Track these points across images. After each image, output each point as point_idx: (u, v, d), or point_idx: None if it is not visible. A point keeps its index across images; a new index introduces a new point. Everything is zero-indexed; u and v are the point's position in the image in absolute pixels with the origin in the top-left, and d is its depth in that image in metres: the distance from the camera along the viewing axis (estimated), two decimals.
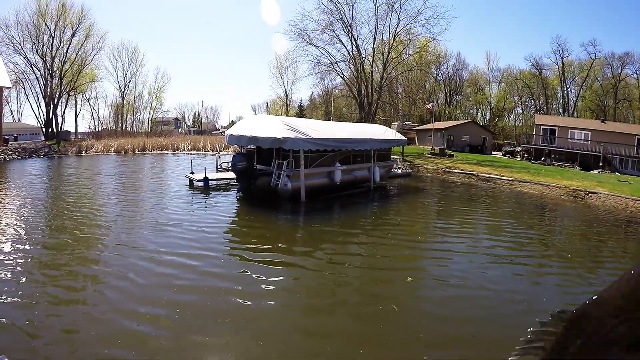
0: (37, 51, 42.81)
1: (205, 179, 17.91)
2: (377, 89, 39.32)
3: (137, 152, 38.50)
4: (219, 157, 21.59)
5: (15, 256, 8.68)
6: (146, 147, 40.07)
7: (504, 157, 42.13)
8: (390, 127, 29.31)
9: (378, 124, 30.63)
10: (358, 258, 9.80)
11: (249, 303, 6.95)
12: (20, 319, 5.93)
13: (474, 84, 69.19)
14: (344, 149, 17.36)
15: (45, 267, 8.23)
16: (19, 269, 7.93)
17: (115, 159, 33.00)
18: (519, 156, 41.99)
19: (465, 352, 5.57)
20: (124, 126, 56.90)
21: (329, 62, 39.44)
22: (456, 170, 28.00)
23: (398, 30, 38.63)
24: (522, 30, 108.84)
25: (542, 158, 37.48)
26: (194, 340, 5.69)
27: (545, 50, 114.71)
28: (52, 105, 44.69)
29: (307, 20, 48.02)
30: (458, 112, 68.19)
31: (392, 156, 23.16)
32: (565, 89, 62.36)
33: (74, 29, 44.52)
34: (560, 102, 63.83)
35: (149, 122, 61.88)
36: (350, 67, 39.86)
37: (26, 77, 44.52)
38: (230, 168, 17.16)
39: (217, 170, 20.37)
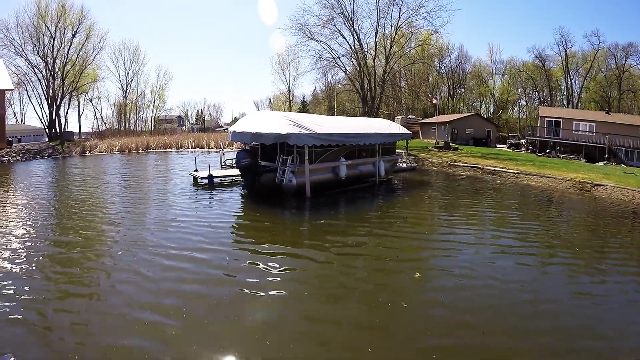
0: (38, 53, 42.85)
1: (210, 177, 17.89)
2: (380, 82, 39.09)
3: (141, 151, 38.59)
4: (223, 154, 21.55)
5: (26, 255, 8.73)
6: (150, 146, 40.12)
7: (509, 150, 41.84)
8: (393, 121, 29.12)
9: (382, 118, 30.47)
10: (365, 252, 9.75)
11: (257, 296, 6.97)
12: (32, 315, 5.99)
13: (477, 77, 68.70)
14: (348, 144, 17.27)
15: (56, 264, 8.28)
16: (30, 267, 7.98)
17: (119, 158, 33.09)
18: (523, 149, 41.68)
19: (474, 344, 5.52)
20: (127, 125, 56.98)
21: (331, 56, 39.27)
22: (461, 164, 27.85)
23: (400, 23, 38.32)
24: (525, 21, 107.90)
25: (547, 150, 37.17)
26: (203, 332, 5.72)
27: (548, 41, 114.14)
28: (54, 106, 44.77)
29: (308, 15, 47.97)
30: (462, 105, 67.79)
31: (396, 150, 23.05)
32: (568, 80, 61.77)
33: (75, 29, 44.51)
34: (564, 93, 63.28)
35: (152, 120, 61.93)
36: (352, 62, 39.64)
37: (28, 79, 44.64)
38: (235, 165, 17.12)
39: (221, 168, 20.35)
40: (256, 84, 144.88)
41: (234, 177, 18.89)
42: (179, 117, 79.19)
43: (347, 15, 37.46)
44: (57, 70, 43.93)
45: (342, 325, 6.10)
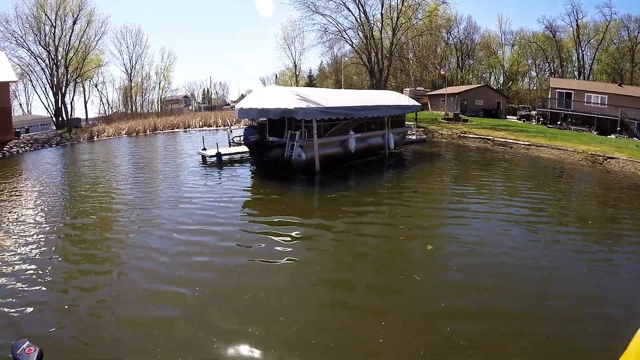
0: (40, 42, 42.47)
1: (218, 154, 17.80)
2: (388, 55, 38.25)
3: (148, 132, 38.57)
4: (231, 132, 21.44)
5: (43, 240, 8.82)
6: (157, 127, 40.05)
7: (519, 122, 41.03)
8: (402, 94, 28.61)
9: (390, 90, 29.94)
10: (376, 223, 9.68)
11: (270, 267, 6.98)
12: (48, 303, 5.99)
13: (486, 48, 66.86)
14: (356, 117, 16.99)
15: (73, 247, 8.36)
16: (44, 255, 8.03)
17: (127, 141, 33.15)
18: (534, 120, 40.85)
19: (488, 320, 5.41)
20: (133, 108, 56.86)
21: (337, 30, 38.43)
22: (471, 135, 27.40)
23: None
24: None
25: (558, 122, 36.35)
26: (219, 304, 5.75)
27: (559, 12, 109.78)
28: (60, 95, 44.71)
29: None
30: (471, 76, 66.32)
31: (406, 122, 22.69)
32: (580, 51, 59.68)
33: (75, 16, 43.90)
34: (575, 65, 61.24)
35: (159, 102, 61.70)
36: (359, 34, 38.74)
37: (31, 69, 44.42)
38: (243, 142, 16.99)
39: (230, 145, 20.23)
40: (262, 60, 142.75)
41: (242, 154, 18.78)
42: (185, 97, 78.66)
43: None
44: (60, 58, 43.67)
45: (356, 294, 6.08)
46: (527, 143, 23.57)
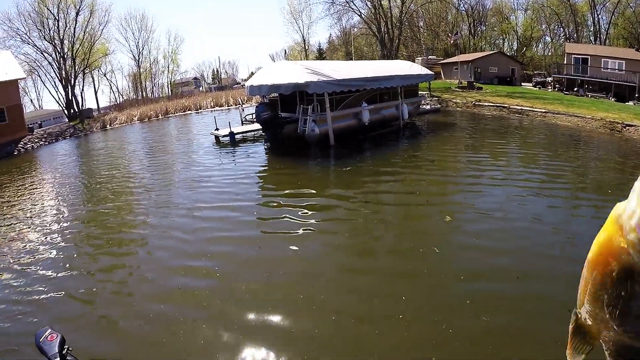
0: (44, 37, 42.13)
1: (231, 134, 17.68)
2: (397, 24, 37.22)
3: (160, 117, 38.57)
4: (243, 110, 21.24)
5: (63, 231, 8.90)
6: (169, 111, 39.99)
7: (535, 88, 39.78)
8: (414, 63, 27.90)
9: (401, 60, 29.22)
10: (394, 196, 9.53)
11: (290, 246, 6.91)
12: (75, 289, 6.05)
13: (499, 13, 64.47)
14: (369, 88, 16.62)
15: (93, 237, 8.40)
16: (68, 242, 8.13)
17: (140, 127, 33.27)
18: (550, 87, 39.55)
19: (508, 287, 5.27)
20: (144, 94, 56.83)
21: (344, 0, 37.43)
22: (486, 103, 26.68)
23: None
24: None
25: (575, 89, 35.09)
26: (241, 286, 5.71)
27: None
28: (69, 87, 44.76)
29: None
30: (483, 43, 64.25)
31: (419, 92, 22.16)
32: (595, 15, 56.97)
33: (77, 7, 43.33)
34: (591, 29, 58.64)
35: (169, 85, 61.57)
36: (367, 4, 37.60)
37: (39, 64, 44.27)
38: (255, 119, 16.81)
39: (242, 124, 20.09)
40: (270, 36, 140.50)
41: (255, 132, 18.64)
42: (195, 78, 78.10)
43: None
44: (66, 51, 43.50)
45: (375, 272, 5.98)
46: (543, 110, 22.85)
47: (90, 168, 17.02)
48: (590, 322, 0.94)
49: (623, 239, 0.78)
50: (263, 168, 13.32)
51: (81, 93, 48.34)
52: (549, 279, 5.36)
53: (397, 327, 4.50)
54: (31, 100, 57.60)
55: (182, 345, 4.46)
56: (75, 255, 7.45)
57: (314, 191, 9.97)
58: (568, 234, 6.90)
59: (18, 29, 41.18)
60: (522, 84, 45.37)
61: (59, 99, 46.33)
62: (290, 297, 5.28)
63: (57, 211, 10.57)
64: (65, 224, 9.32)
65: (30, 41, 42.17)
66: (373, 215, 8.24)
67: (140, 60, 57.26)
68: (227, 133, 17.72)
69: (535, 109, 23.40)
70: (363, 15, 38.78)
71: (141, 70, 57.21)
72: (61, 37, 42.92)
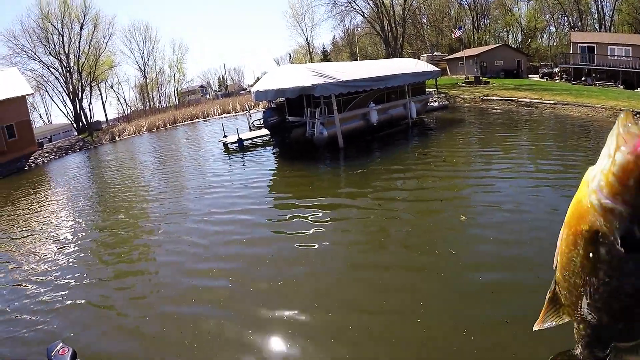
0: (50, 53, 42.60)
1: (239, 140, 17.70)
2: (401, 21, 37.10)
3: (169, 126, 38.82)
4: (250, 116, 21.25)
5: (79, 241, 8.99)
6: (177, 120, 40.22)
7: (542, 80, 39.33)
8: (419, 60, 27.71)
9: (406, 58, 29.05)
10: (407, 195, 9.40)
11: (304, 248, 6.89)
12: (93, 297, 6.10)
13: (501, 6, 63.82)
14: (376, 88, 16.49)
15: (109, 246, 8.46)
16: (85, 253, 8.20)
17: (149, 137, 33.52)
18: (557, 77, 39.07)
19: (525, 280, 5.15)
20: (151, 104, 57.27)
21: (346, 1, 37.41)
22: (494, 98, 26.43)
23: None
24: None
25: (582, 78, 34.60)
26: (255, 290, 5.70)
27: None
28: (77, 100, 45.23)
29: None
30: (488, 36, 63.68)
31: (426, 89, 21.98)
32: (599, 2, 56.29)
33: (81, 22, 43.80)
34: (595, 17, 57.79)
35: (176, 94, 62.03)
36: (369, 3, 37.54)
37: (46, 79, 44.75)
38: (263, 125, 16.79)
39: (250, 130, 20.10)
40: (274, 39, 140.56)
41: (263, 138, 18.62)
42: (201, 86, 78.49)
43: None
44: (72, 65, 43.99)
45: (391, 270, 5.92)
46: (552, 102, 22.54)
47: (102, 179, 17.17)
48: (564, 292, 0.96)
49: (588, 200, 0.82)
50: (273, 173, 13.29)
51: (89, 106, 48.87)
52: None
53: (413, 323, 4.45)
54: (40, 115, 58.20)
55: (208, 344, 4.55)
56: (92, 263, 7.53)
57: (326, 194, 9.92)
58: None
59: (23, 45, 41.68)
60: (529, 76, 44.90)
61: (68, 112, 46.77)
62: (307, 296, 5.31)
63: (72, 222, 10.67)
64: (81, 234, 9.41)
65: (36, 57, 42.63)
66: (387, 216, 8.15)
67: (146, 70, 57.76)
68: (236, 140, 17.75)
69: (544, 101, 23.11)
70: (366, 15, 38.81)
71: (147, 80, 57.71)
72: (66, 51, 43.39)
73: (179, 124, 39.44)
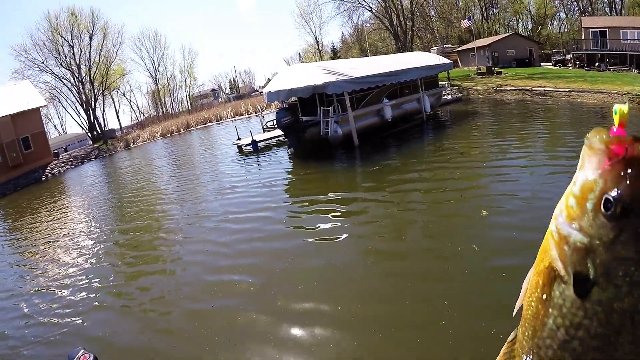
0: (61, 64, 43.59)
1: (253, 142, 17.73)
2: (409, 15, 36.83)
3: (182, 131, 39.21)
4: (263, 117, 21.29)
5: (102, 246, 9.16)
6: (190, 124, 40.63)
7: (555, 67, 38.49)
8: (430, 53, 27.42)
9: (417, 51, 28.77)
10: (425, 191, 9.27)
11: (324, 245, 6.91)
12: (119, 298, 6.20)
13: None
14: (388, 83, 16.31)
15: (132, 248, 8.61)
16: (109, 256, 8.37)
17: (163, 142, 33.90)
18: (570, 64, 38.22)
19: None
20: (164, 110, 58.08)
21: None
22: (508, 88, 26.02)
23: None
24: None
25: (596, 64, 33.73)
26: (278, 286, 5.74)
27: None
28: (90, 110, 46.03)
29: None
30: (497, 26, 62.74)
31: (439, 82, 21.71)
32: None
33: (90, 32, 44.68)
34: (605, 0, 56.59)
35: (188, 99, 62.75)
36: None
37: (59, 90, 45.78)
38: (276, 125, 16.79)
39: (264, 131, 20.13)
40: (283, 38, 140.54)
41: (277, 138, 18.62)
42: (213, 90, 79.01)
43: None
44: (84, 75, 44.75)
45: (408, 257, 5.99)
46: (567, 90, 22.05)
47: (120, 186, 17.41)
48: (521, 341, 0.75)
49: (549, 229, 0.70)
50: (289, 172, 13.29)
51: (102, 114, 49.67)
52: None
53: (442, 306, 4.35)
54: (54, 126, 59.21)
55: (238, 336, 4.67)
56: (116, 265, 7.67)
57: (343, 189, 9.93)
58: None
59: (35, 58, 42.62)
60: (542, 64, 44.02)
61: (82, 122, 47.67)
62: (333, 287, 5.41)
63: (93, 227, 10.86)
64: (103, 238, 9.61)
65: (48, 69, 43.61)
66: (406, 209, 8.10)
67: (157, 77, 58.48)
68: (250, 142, 17.79)
69: (559, 89, 22.63)
70: (374, 10, 38.60)
71: (159, 87, 58.40)
72: (77, 62, 44.18)
73: (192, 128, 39.79)
